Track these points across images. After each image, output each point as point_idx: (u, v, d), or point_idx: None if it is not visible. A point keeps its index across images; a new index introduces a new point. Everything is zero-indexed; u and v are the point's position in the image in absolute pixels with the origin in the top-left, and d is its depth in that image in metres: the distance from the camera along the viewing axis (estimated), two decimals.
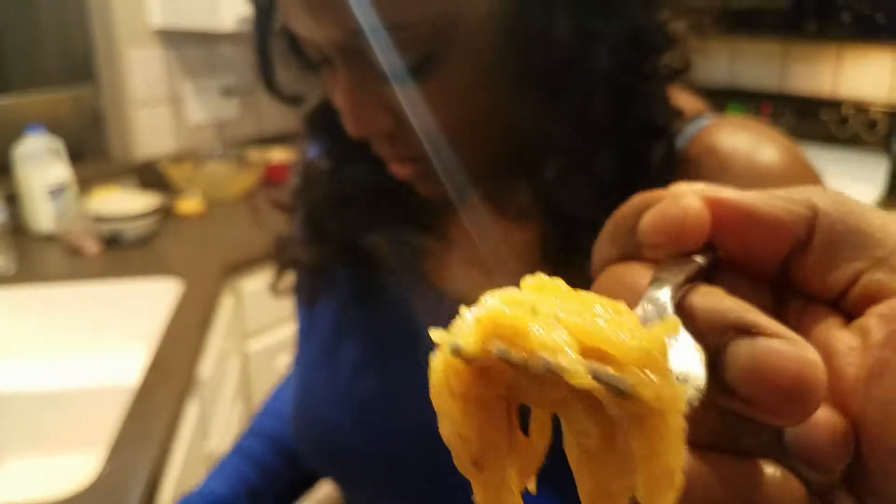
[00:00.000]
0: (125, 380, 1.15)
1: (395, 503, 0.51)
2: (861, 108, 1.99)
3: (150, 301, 1.47)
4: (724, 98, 2.20)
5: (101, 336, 1.48)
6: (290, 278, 0.58)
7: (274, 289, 0.58)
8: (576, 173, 0.40)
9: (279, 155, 2.14)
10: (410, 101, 0.40)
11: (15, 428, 1.17)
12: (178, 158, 1.98)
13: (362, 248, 0.52)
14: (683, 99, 0.46)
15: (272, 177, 2.08)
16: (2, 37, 3.41)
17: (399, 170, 0.45)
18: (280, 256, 0.58)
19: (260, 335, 1.69)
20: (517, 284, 0.20)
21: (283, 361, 1.71)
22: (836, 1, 1.73)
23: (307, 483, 0.66)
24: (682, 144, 0.44)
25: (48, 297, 1.49)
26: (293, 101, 0.51)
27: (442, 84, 0.40)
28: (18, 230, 1.69)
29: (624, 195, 0.36)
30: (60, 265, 1.60)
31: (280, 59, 0.48)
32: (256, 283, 1.62)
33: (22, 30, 3.36)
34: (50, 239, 1.70)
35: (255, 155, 2.08)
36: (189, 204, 1.85)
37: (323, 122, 0.51)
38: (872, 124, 1.96)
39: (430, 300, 0.50)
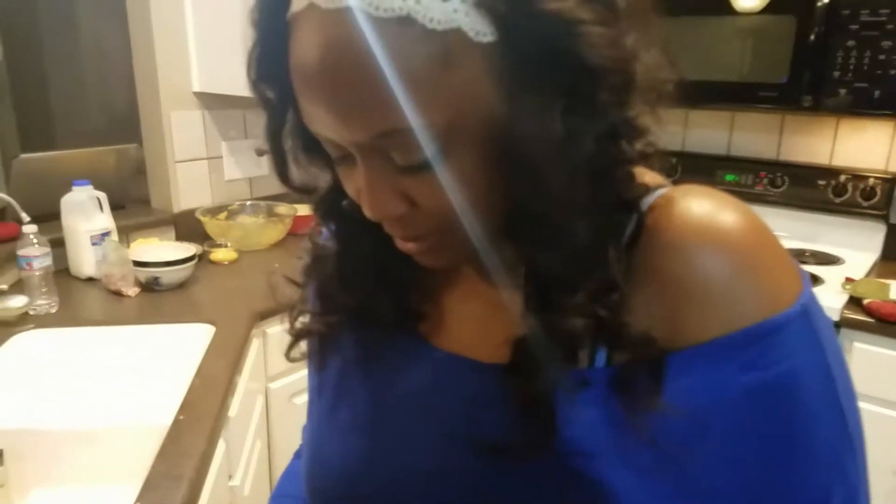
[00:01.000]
0: (159, 419, 1.21)
1: None
2: (859, 176, 2.07)
3: (184, 344, 1.57)
4: (722, 166, 2.28)
5: (136, 376, 1.57)
6: (303, 345, 0.63)
7: (288, 356, 0.63)
8: (557, 242, 0.45)
9: (304, 209, 2.27)
10: (421, 188, 0.45)
11: (50, 462, 1.23)
12: (213, 211, 2.11)
13: (366, 314, 0.57)
14: (648, 175, 0.50)
15: (298, 229, 2.21)
16: (52, 98, 3.64)
17: (405, 246, 0.49)
18: (293, 326, 0.63)
19: (281, 378, 1.78)
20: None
21: (301, 401, 1.79)
22: (832, 76, 1.82)
23: None
24: (643, 212, 0.47)
25: (88, 337, 1.59)
26: (305, 191, 0.56)
27: (450, 173, 0.44)
28: (63, 273, 1.81)
29: (598, 259, 0.44)
30: (100, 307, 1.71)
31: (293, 156, 0.52)
32: (281, 328, 1.72)
33: (70, 92, 3.58)
34: (92, 282, 1.82)
35: (283, 208, 2.20)
36: (222, 253, 1.98)
37: (331, 208, 0.56)
38: (870, 192, 2.04)
39: (425, 355, 0.54)
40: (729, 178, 2.24)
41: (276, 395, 1.77)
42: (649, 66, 0.45)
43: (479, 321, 0.53)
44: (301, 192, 0.55)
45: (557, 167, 0.43)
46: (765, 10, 1.88)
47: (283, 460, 1.58)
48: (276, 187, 2.33)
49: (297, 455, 0.75)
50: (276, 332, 1.72)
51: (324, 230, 0.61)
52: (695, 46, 2.02)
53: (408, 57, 0.40)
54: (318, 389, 0.63)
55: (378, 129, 0.42)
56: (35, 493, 1.25)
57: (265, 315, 1.68)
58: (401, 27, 0.39)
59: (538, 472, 0.47)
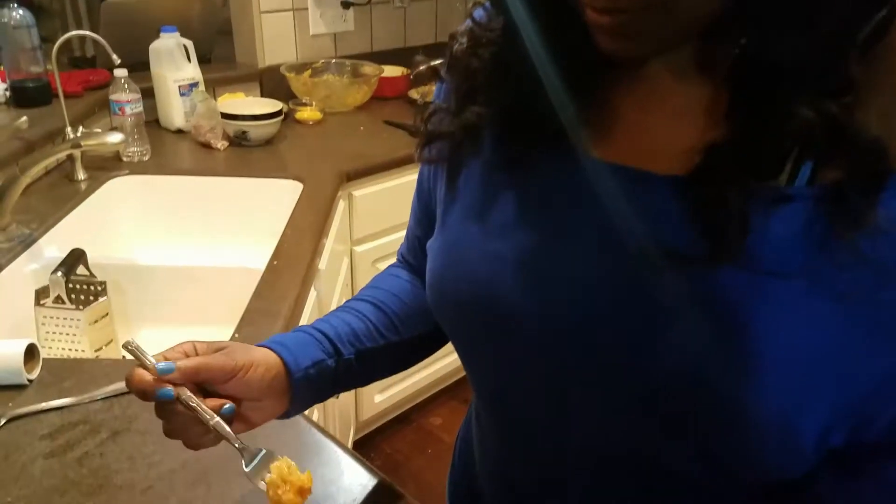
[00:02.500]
0: (253, 263, 1.23)
1: (522, 364, 0.52)
2: None
3: (274, 198, 1.58)
4: None
5: (230, 224, 1.60)
6: (434, 147, 0.58)
7: (419, 157, 0.59)
8: (799, 22, 0.38)
9: (390, 70, 2.20)
10: None
11: (153, 299, 1.28)
12: (298, 68, 2.06)
13: (518, 114, 0.51)
14: None
15: (383, 91, 2.14)
16: None
17: (598, 19, 0.43)
18: (425, 126, 0.58)
19: (366, 242, 1.78)
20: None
21: (384, 266, 1.80)
22: None
23: (392, 356, 0.70)
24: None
25: (181, 186, 1.61)
26: None
27: None
28: (153, 125, 1.82)
29: (837, 49, 0.37)
30: (191, 158, 1.72)
31: None
32: (367, 192, 1.71)
33: None
34: (181, 134, 1.83)
35: (369, 68, 2.14)
36: (307, 112, 1.94)
37: None
38: None
39: (586, 165, 0.48)
40: None
41: (361, 258, 1.78)
42: None
43: (655, 130, 0.47)
44: None
45: None
46: None
47: None
48: (362, 45, 2.28)
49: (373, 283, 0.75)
50: (363, 195, 1.70)
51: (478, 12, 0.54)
52: None
53: None
54: (451, 199, 0.57)
55: None
56: (137, 326, 1.30)
57: (352, 177, 1.66)
58: None
59: (713, 289, 0.42)
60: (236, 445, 0.55)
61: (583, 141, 0.49)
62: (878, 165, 0.39)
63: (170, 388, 0.53)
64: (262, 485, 0.56)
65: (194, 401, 0.53)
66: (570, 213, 0.49)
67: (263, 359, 0.58)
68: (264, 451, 0.57)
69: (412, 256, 0.73)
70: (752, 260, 0.41)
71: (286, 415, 0.62)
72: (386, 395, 2.03)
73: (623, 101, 0.49)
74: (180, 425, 0.55)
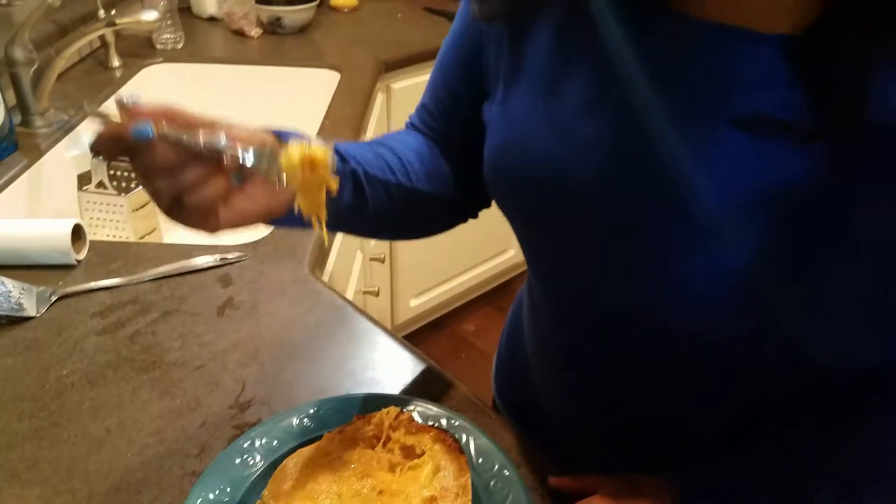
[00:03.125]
0: None
1: (590, 239, 0.49)
2: None
3: (310, 87, 1.53)
4: None
5: (263, 115, 1.56)
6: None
7: (477, 11, 0.54)
8: None
9: None
10: None
11: None
12: None
13: None
14: None
15: None
16: None
17: None
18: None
19: None
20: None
21: None
22: None
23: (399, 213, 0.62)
24: None
25: (215, 74, 1.57)
26: None
27: None
28: (185, 13, 1.76)
29: None
30: (225, 46, 1.66)
31: None
32: (406, 84, 1.65)
33: None
34: (214, 21, 1.77)
35: None
36: None
37: None
38: None
39: (675, 23, 0.43)
40: None
41: None
42: None
43: None
44: None
45: None
46: None
47: None
48: None
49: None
50: (401, 87, 1.65)
51: None
52: None
53: None
54: (513, 66, 0.52)
55: None
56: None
57: (390, 67, 1.60)
58: None
59: (821, 165, 0.38)
60: (239, 151, 0.46)
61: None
62: None
63: (147, 122, 0.44)
64: (280, 177, 0.48)
65: (176, 129, 0.44)
66: (657, 83, 0.44)
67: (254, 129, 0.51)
68: (269, 147, 0.48)
69: (435, 121, 0.65)
70: (872, 132, 0.37)
71: (281, 217, 0.52)
72: (421, 299, 2.04)
73: None
74: (169, 169, 0.45)
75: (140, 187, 1.07)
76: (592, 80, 0.47)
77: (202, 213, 0.47)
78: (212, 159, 0.46)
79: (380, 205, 0.60)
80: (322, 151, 0.48)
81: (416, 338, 2.14)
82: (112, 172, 1.07)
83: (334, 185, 0.49)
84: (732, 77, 0.41)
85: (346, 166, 0.57)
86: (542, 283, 0.60)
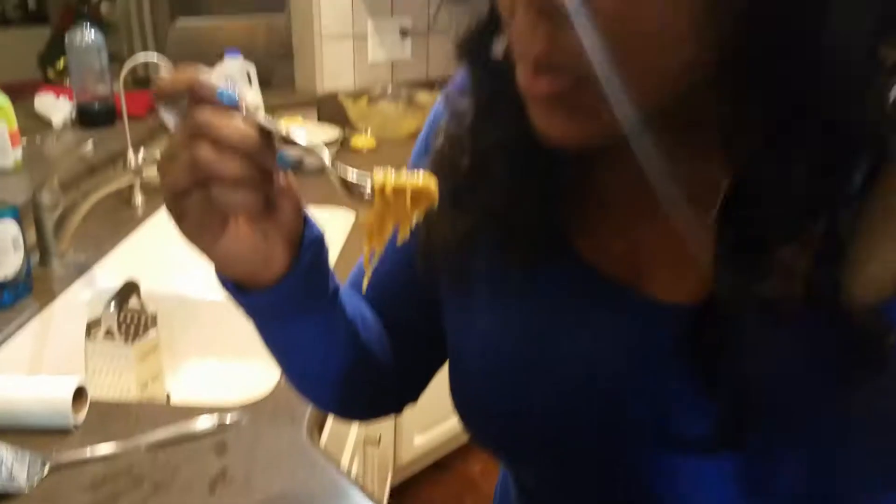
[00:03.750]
0: None
1: (566, 477, 0.51)
2: None
3: (326, 227, 1.57)
4: None
5: None
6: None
7: (422, 267, 0.55)
8: (792, 149, 0.34)
9: None
10: None
11: (200, 331, 1.28)
12: (355, 94, 2.06)
13: (508, 217, 0.48)
14: None
15: None
16: None
17: (535, 85, 0.37)
18: (424, 236, 0.54)
19: None
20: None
21: None
22: None
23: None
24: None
25: None
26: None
27: None
28: None
29: (827, 199, 0.34)
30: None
31: None
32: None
33: None
34: None
35: (424, 97, 2.13)
36: (362, 140, 1.94)
37: (479, 48, 0.44)
38: None
39: (583, 280, 0.46)
40: None
41: None
42: None
43: (657, 250, 0.44)
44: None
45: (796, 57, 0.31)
46: None
47: None
48: (418, 72, 2.28)
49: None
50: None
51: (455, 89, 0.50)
52: None
53: None
54: (463, 302, 0.54)
55: None
56: (182, 357, 1.30)
57: None
58: None
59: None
60: (319, 152, 0.42)
61: (574, 248, 0.47)
62: (872, 327, 0.36)
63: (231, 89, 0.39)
64: (366, 186, 0.42)
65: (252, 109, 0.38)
66: (569, 339, 0.47)
67: None
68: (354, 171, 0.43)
69: (371, 290, 0.62)
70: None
71: (276, 280, 0.48)
72: (427, 436, 2.00)
73: (609, 199, 0.46)
74: (232, 145, 0.38)
75: (150, 333, 1.08)
76: (529, 317, 0.50)
77: (220, 217, 0.43)
78: (267, 162, 0.41)
79: (340, 339, 0.56)
80: (433, 185, 0.42)
81: (420, 480, 2.08)
82: (122, 317, 1.08)
83: (407, 228, 0.44)
84: (635, 349, 0.43)
85: (333, 282, 0.54)
86: (528, 482, 0.59)
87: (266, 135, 0.40)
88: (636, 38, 0.32)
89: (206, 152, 0.38)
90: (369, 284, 0.61)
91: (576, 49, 0.33)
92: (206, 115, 0.38)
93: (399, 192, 0.42)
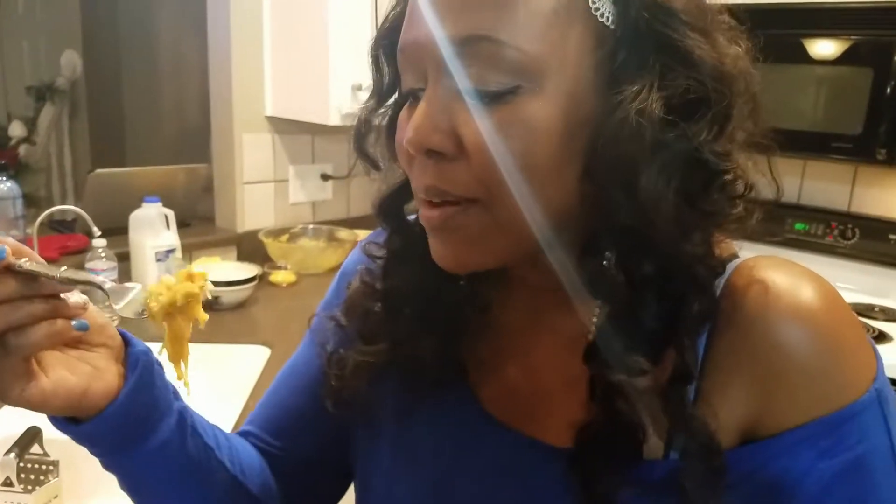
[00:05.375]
0: None
1: None
2: None
3: (240, 365, 1.59)
4: (792, 214, 2.21)
5: (191, 394, 1.59)
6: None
7: (332, 406, 0.58)
8: (650, 251, 0.42)
9: (364, 235, 2.28)
10: (478, 129, 0.42)
11: (104, 475, 1.26)
12: (276, 233, 2.14)
13: (411, 357, 0.53)
14: (722, 244, 0.48)
15: None
16: (126, 115, 3.77)
17: (429, 214, 0.45)
18: (331, 369, 0.58)
19: None
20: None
21: None
22: None
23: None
24: (727, 276, 0.46)
25: None
26: (373, 163, 0.54)
27: (516, 122, 0.41)
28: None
29: (671, 338, 0.42)
30: (159, 325, 1.73)
31: (376, 133, 0.53)
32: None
33: (144, 111, 3.72)
34: None
35: (344, 233, 2.22)
36: (282, 275, 2.00)
37: (392, 210, 0.54)
38: None
39: (475, 418, 0.51)
40: (799, 226, 2.18)
41: None
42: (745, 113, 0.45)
43: (537, 394, 0.50)
44: (369, 163, 0.54)
45: (646, 176, 0.41)
46: (842, 61, 1.85)
47: None
48: (339, 212, 2.38)
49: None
50: None
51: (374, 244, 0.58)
52: (769, 92, 1.98)
53: None
54: (371, 436, 0.58)
55: (475, 27, 0.41)
56: (88, 502, 1.26)
57: None
58: None
59: None
60: (99, 282, 0.44)
61: (472, 387, 0.52)
62: (711, 457, 0.42)
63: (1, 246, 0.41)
64: (139, 312, 0.45)
65: (35, 259, 0.41)
66: (469, 479, 0.51)
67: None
68: (138, 286, 0.47)
69: (273, 428, 0.66)
70: None
71: (96, 415, 0.49)
72: None
73: (506, 353, 0.52)
74: (8, 299, 0.42)
75: (51, 480, 1.06)
76: (428, 454, 0.54)
77: (20, 363, 0.44)
78: (55, 301, 0.43)
79: (205, 454, 0.56)
80: (202, 276, 0.46)
81: None
82: (22, 465, 1.06)
83: (204, 316, 0.49)
84: (526, 492, 0.48)
85: (176, 402, 0.55)
86: None
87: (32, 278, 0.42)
88: (511, 171, 0.41)
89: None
90: (269, 418, 0.65)
91: (460, 181, 0.43)
92: None
93: (173, 306, 0.45)
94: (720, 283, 0.46)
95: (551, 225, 0.44)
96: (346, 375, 0.56)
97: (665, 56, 0.41)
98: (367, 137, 0.53)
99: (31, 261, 0.42)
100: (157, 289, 0.46)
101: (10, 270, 0.41)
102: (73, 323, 0.45)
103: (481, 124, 0.41)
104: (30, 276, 0.42)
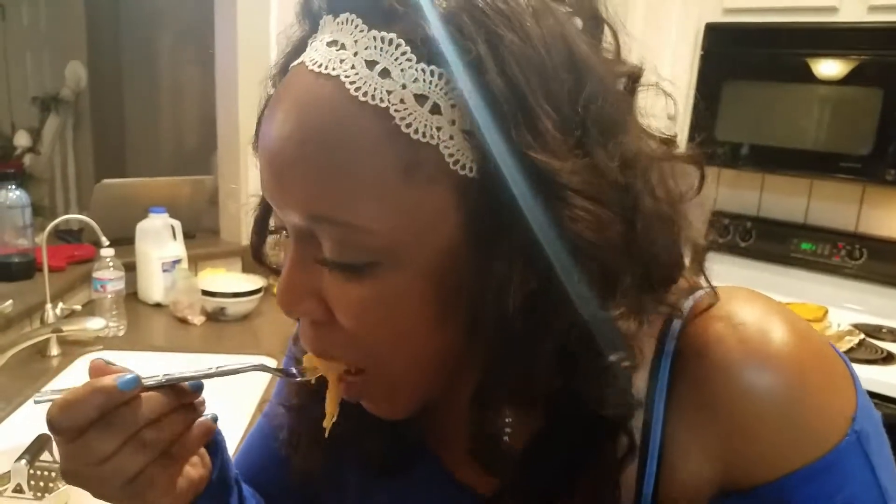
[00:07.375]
0: None
1: None
2: None
3: (247, 375, 1.57)
4: (799, 234, 2.22)
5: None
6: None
7: (299, 465, 0.57)
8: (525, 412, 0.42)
9: None
10: (343, 296, 0.40)
11: None
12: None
13: (370, 431, 0.52)
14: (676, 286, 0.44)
15: None
16: (128, 129, 3.78)
17: (343, 390, 0.46)
18: (288, 449, 0.57)
19: None
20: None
21: None
22: None
23: None
24: (685, 316, 0.43)
25: (152, 363, 1.61)
26: (274, 270, 0.53)
27: (381, 295, 0.39)
28: (131, 297, 1.85)
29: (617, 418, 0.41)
30: (166, 334, 1.73)
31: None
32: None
33: (146, 125, 3.73)
34: (159, 308, 1.85)
35: None
36: None
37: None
38: None
39: (440, 486, 0.51)
40: (805, 246, 2.18)
41: None
42: (651, 255, 0.40)
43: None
44: (268, 270, 0.53)
45: (518, 344, 0.38)
46: (850, 81, 1.85)
47: None
48: None
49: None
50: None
51: None
52: (778, 112, 1.99)
53: (369, 150, 0.37)
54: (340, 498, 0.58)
55: (311, 209, 0.38)
56: None
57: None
58: (375, 117, 0.36)
59: None
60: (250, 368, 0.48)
61: (438, 458, 0.52)
62: None
63: (130, 372, 0.44)
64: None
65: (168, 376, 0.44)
66: None
67: None
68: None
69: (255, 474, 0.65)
70: None
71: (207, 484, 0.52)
72: None
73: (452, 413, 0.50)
74: (158, 419, 0.44)
75: (60, 488, 1.04)
76: None
77: (177, 467, 0.47)
78: (187, 405, 0.46)
79: None
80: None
81: None
82: (32, 471, 1.05)
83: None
84: None
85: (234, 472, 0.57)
86: None
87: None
88: (387, 341, 0.41)
89: (145, 435, 0.44)
90: (248, 480, 0.64)
91: (340, 345, 0.42)
92: (110, 424, 0.43)
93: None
94: (677, 326, 0.43)
95: (449, 368, 0.44)
96: (303, 456, 0.56)
97: (535, 217, 0.37)
98: (263, 244, 0.52)
99: (149, 377, 0.45)
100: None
101: (147, 388, 0.43)
102: (209, 416, 0.48)
103: (347, 296, 0.40)
104: (167, 387, 0.45)
